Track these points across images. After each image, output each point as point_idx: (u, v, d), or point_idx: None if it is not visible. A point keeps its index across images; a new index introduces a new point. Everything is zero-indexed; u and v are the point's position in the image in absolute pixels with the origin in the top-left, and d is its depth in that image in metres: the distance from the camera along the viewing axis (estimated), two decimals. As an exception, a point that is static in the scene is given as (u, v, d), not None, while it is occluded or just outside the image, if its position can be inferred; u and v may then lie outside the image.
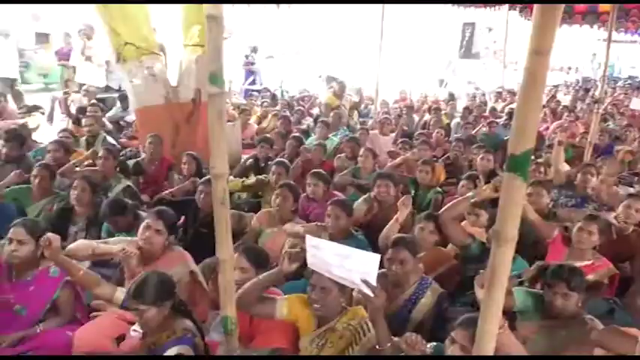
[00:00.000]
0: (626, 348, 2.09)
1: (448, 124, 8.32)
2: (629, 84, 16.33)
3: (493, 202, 3.61)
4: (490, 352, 1.26)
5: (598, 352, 2.30)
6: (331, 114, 7.19)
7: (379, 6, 6.30)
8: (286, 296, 2.44)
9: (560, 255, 3.40)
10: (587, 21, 8.04)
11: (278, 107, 8.69)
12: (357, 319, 2.31)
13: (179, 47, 5.75)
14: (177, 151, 5.26)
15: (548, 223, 3.76)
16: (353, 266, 2.07)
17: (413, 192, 4.80)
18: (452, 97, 10.92)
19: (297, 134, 6.06)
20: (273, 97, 9.68)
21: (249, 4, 5.53)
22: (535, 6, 0.91)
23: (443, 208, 3.37)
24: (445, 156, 6.07)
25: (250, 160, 5.46)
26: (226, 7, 2.69)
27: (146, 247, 2.83)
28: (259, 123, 7.92)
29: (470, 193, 3.30)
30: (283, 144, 5.80)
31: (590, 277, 3.24)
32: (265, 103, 8.41)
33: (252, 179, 4.76)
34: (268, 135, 6.16)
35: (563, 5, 0.90)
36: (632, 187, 4.99)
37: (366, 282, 2.06)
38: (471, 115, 8.54)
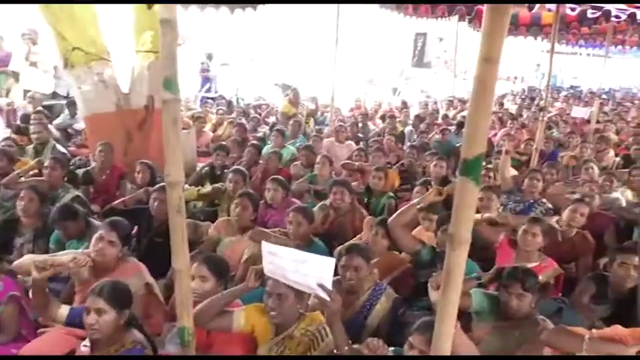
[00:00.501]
0: (573, 347, 2.18)
1: (402, 132, 8.51)
2: (571, 93, 17.18)
3: (446, 206, 3.72)
4: (447, 353, 1.28)
5: (547, 351, 2.40)
6: (290, 122, 7.22)
7: (334, 13, 6.37)
8: (243, 307, 2.41)
9: (508, 258, 3.52)
10: (532, 33, 8.43)
11: (234, 115, 8.62)
12: (315, 324, 2.31)
13: (130, 53, 5.61)
14: (130, 160, 5.12)
15: (495, 229, 3.87)
16: (309, 271, 2.07)
17: (366, 199, 4.87)
18: (405, 105, 11.17)
19: (256, 142, 6.03)
20: (229, 104, 9.60)
21: (202, 8, 5.44)
22: (484, 15, 0.95)
23: (392, 216, 3.43)
24: (399, 163, 6.20)
25: (206, 168, 5.38)
26: (180, 12, 2.66)
27: (99, 259, 2.73)
28: (214, 131, 7.83)
29: (415, 200, 3.38)
30: (240, 152, 5.76)
31: (539, 278, 3.39)
32: (221, 111, 8.32)
33: (208, 188, 4.69)
34: (224, 143, 6.09)
35: (510, 13, 0.93)
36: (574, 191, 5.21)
37: (322, 286, 2.07)
38: (423, 123, 8.76)
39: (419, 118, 9.09)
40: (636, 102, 14.30)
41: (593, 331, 2.36)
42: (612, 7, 5.54)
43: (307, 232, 3.50)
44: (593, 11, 5.89)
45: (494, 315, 2.63)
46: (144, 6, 5.24)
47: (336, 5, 5.98)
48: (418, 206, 3.29)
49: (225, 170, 5.00)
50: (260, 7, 5.52)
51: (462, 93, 13.46)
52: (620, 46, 12.85)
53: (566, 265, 3.89)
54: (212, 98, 10.93)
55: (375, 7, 6.22)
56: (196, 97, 11.53)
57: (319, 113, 9.64)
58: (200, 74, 12.31)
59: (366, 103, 10.66)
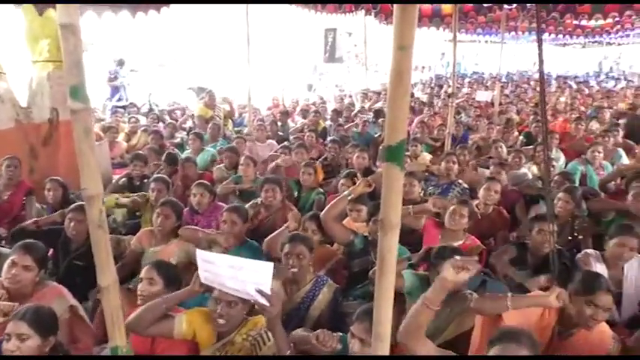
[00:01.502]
0: (499, 307, 2.34)
1: (324, 127, 8.62)
2: (474, 79, 18.23)
3: (371, 197, 3.82)
4: (387, 338, 1.32)
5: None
6: (209, 125, 7.07)
7: (243, 13, 6.30)
8: (185, 311, 2.33)
9: (435, 238, 3.68)
10: (434, 23, 8.82)
11: (147, 122, 8.29)
12: (256, 329, 2.29)
13: (26, 64, 5.23)
14: (37, 178, 4.78)
15: (414, 217, 4.01)
16: (246, 277, 2.04)
17: (296, 193, 4.91)
18: (322, 101, 11.31)
19: (171, 152, 5.84)
20: (150, 110, 9.20)
21: (99, 13, 5.16)
22: (395, 5, 0.98)
23: (324, 210, 3.49)
24: (322, 157, 6.28)
25: (123, 179, 5.13)
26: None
27: (14, 287, 2.51)
28: (128, 140, 7.48)
29: (345, 192, 3.45)
30: (158, 160, 5.56)
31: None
32: (133, 119, 7.96)
33: (127, 199, 4.49)
34: (141, 152, 5.84)
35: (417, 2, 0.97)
36: (488, 169, 5.54)
37: (260, 292, 2.04)
38: (341, 117, 8.94)
39: (336, 113, 9.26)
40: (532, 83, 15.49)
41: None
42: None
43: (241, 231, 3.48)
44: None
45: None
46: (36, 13, 4.91)
47: (244, 4, 5.91)
48: (349, 198, 3.36)
49: (145, 180, 4.81)
50: (165, 9, 5.33)
51: (375, 85, 13.84)
52: (513, 33, 13.78)
53: (486, 241, 4.16)
54: (123, 107, 10.43)
55: (284, 5, 6.22)
56: (105, 107, 10.95)
57: (237, 114, 9.51)
58: (108, 83, 11.71)
59: (283, 100, 10.66)
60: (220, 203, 4.42)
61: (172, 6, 5.44)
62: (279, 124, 8.46)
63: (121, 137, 7.42)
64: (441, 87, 14.85)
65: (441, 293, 2.07)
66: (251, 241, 3.55)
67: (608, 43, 19.59)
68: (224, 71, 14.01)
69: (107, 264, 1.53)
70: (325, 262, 3.44)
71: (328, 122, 8.90)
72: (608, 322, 2.49)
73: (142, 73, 13.42)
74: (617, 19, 9.30)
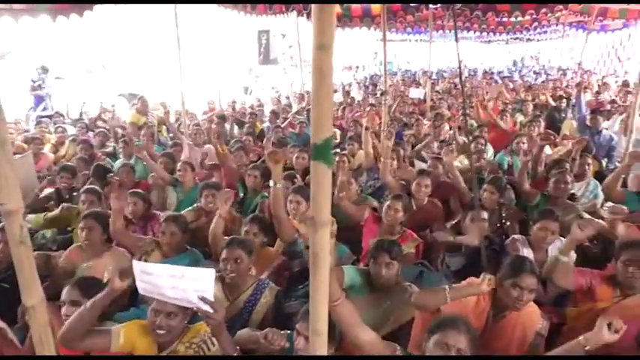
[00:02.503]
0: (438, 301, 2.43)
1: (262, 130, 8.57)
2: (407, 77, 18.76)
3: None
4: (324, 334, 1.33)
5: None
6: (142, 132, 6.83)
7: (173, 16, 6.14)
8: (123, 324, 2.25)
9: (374, 233, 3.78)
10: (365, 23, 9.00)
11: (75, 131, 7.92)
12: (200, 336, 2.26)
13: None
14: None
15: (358, 207, 4.12)
16: (188, 285, 2.00)
17: (242, 194, 4.86)
18: (260, 103, 11.26)
19: (101, 163, 5.60)
20: (79, 119, 8.72)
21: (16, 19, 4.87)
22: (313, 4, 1.00)
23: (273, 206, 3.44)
24: (261, 159, 6.23)
25: (50, 192, 4.87)
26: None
27: None
28: (56, 151, 7.11)
29: (271, 182, 3.36)
30: (88, 170, 5.32)
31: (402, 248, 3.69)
32: (60, 129, 7.56)
33: (55, 211, 4.27)
34: (68, 163, 5.57)
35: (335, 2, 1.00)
36: (425, 161, 5.70)
37: (203, 299, 2.01)
38: (279, 118, 8.94)
39: (274, 114, 9.25)
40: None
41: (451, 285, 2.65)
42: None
43: (181, 241, 3.41)
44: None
45: (366, 288, 2.82)
46: None
47: (172, 5, 5.76)
48: (278, 185, 3.30)
49: (75, 193, 4.61)
50: (88, 13, 5.11)
51: (309, 86, 13.90)
52: (441, 31, 14.30)
53: (423, 233, 4.29)
54: (48, 116, 9.90)
55: (213, 7, 6.12)
56: (28, 117, 10.35)
57: (174, 120, 9.27)
58: (31, 92, 11.08)
59: (219, 104, 10.51)
60: (156, 212, 4.31)
61: (97, 9, 5.21)
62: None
63: (47, 148, 7.04)
64: (375, 85, 15.16)
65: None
66: (192, 249, 3.49)
67: (529, 40, 20.74)
68: (156, 76, 13.62)
69: (32, 282, 1.45)
70: (267, 264, 3.43)
71: (266, 124, 8.87)
72: (536, 301, 2.66)
73: (68, 80, 12.80)
74: (534, 16, 9.87)
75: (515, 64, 25.35)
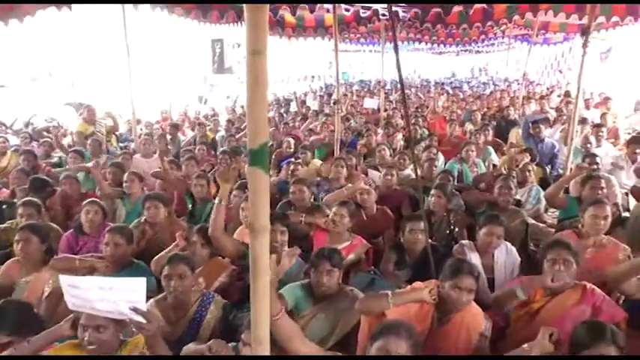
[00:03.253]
0: (381, 306, 2.48)
1: (213, 139, 8.48)
2: (361, 87, 19.03)
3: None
4: (266, 340, 1.33)
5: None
6: (89, 142, 6.63)
7: (121, 23, 6.00)
8: (54, 347, 2.16)
9: (323, 241, 3.78)
10: (319, 33, 9.07)
11: (19, 141, 7.59)
12: (138, 349, 2.19)
13: None
14: None
15: (311, 217, 4.11)
16: (118, 296, 1.95)
17: (190, 206, 4.78)
18: (214, 112, 11.15)
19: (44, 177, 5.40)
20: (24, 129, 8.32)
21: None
22: (245, 11, 1.00)
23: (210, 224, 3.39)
24: (214, 169, 6.17)
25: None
26: None
27: None
28: (-4, 163, 6.78)
29: (216, 200, 3.32)
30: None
31: (351, 256, 3.71)
32: (1, 139, 7.22)
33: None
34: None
35: (267, 6, 1.00)
36: (378, 170, 5.77)
37: (135, 310, 1.96)
38: (233, 127, 8.88)
39: (230, 123, 9.20)
40: (413, 89, 16.51)
41: (396, 290, 2.70)
42: (379, 7, 6.29)
43: (126, 253, 3.33)
44: (364, 11, 6.61)
45: (310, 299, 2.81)
46: None
47: (121, 12, 5.64)
48: (222, 203, 3.28)
49: (4, 205, 4.42)
50: (29, 19, 4.92)
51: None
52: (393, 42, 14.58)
53: (374, 240, 4.34)
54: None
55: (165, 14, 6.02)
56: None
57: (126, 129, 9.04)
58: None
59: (171, 113, 10.35)
60: (109, 223, 4.18)
61: (39, 14, 5.02)
62: (169, 137, 8.20)
63: (-13, 159, 6.70)
64: (330, 95, 15.29)
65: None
66: (138, 262, 3.40)
67: (477, 52, 21.47)
68: (106, 84, 13.27)
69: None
70: (217, 275, 3.37)
71: (221, 134, 8.78)
72: (481, 304, 2.73)
73: (12, 88, 12.26)
74: (481, 29, 10.23)
75: (472, 75, 26.22)
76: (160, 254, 3.32)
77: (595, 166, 5.04)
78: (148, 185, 5.26)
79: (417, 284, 2.62)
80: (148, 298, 2.26)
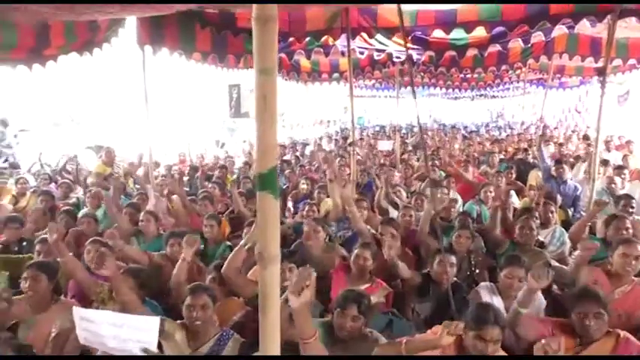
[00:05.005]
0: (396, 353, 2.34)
1: (232, 181, 8.50)
2: (377, 131, 19.14)
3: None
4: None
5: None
6: (108, 182, 6.71)
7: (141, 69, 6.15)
8: None
9: (343, 282, 3.68)
10: (334, 79, 9.23)
11: (37, 183, 7.70)
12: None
13: None
14: None
15: (329, 256, 4.05)
16: (130, 335, 1.87)
17: (202, 246, 4.73)
18: (229, 156, 11.25)
19: (68, 208, 5.46)
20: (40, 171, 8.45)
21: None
22: (253, 27, 0.98)
23: (224, 264, 3.37)
24: (229, 210, 6.16)
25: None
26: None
27: None
28: (16, 203, 6.86)
29: (242, 242, 3.36)
30: (45, 222, 5.12)
31: (373, 298, 3.59)
32: (22, 180, 7.35)
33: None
34: (15, 214, 5.36)
35: (275, 26, 0.97)
36: (397, 208, 5.68)
37: (146, 351, 1.87)
38: (250, 170, 8.91)
39: (248, 165, 9.26)
40: (430, 133, 16.53)
41: (415, 336, 2.58)
42: (393, 50, 6.38)
43: (138, 295, 3.21)
44: (379, 54, 6.71)
45: (328, 339, 2.69)
46: None
47: (141, 58, 5.78)
48: (245, 247, 3.29)
49: (24, 243, 4.42)
50: (51, 63, 5.08)
51: (282, 138, 14.05)
52: (408, 87, 14.73)
53: (393, 282, 4.21)
54: (13, 167, 9.66)
55: (183, 59, 6.18)
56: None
57: (142, 171, 9.13)
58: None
59: (189, 156, 10.47)
60: (121, 263, 4.13)
61: (61, 59, 5.19)
62: (187, 179, 8.26)
63: (7, 200, 6.80)
64: (345, 139, 15.37)
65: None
66: (149, 301, 3.33)
67: (493, 97, 21.58)
68: (125, 129, 13.58)
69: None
70: (232, 314, 3.29)
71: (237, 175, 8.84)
72: (506, 348, 2.58)
73: (34, 132, 12.60)
74: (495, 72, 10.30)
75: (491, 119, 26.32)
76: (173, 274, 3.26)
77: (631, 209, 4.87)
78: (163, 225, 5.25)
79: (435, 329, 2.49)
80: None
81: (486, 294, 3.32)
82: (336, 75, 9.37)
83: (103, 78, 14.98)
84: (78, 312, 1.99)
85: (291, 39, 5.98)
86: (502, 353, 2.46)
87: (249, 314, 3.43)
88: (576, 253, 4.78)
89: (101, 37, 5.39)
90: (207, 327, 2.76)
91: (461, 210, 5.95)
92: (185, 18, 5.17)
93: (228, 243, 4.89)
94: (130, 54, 6.13)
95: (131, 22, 5.57)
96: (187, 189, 7.68)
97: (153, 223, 4.86)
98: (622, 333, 2.55)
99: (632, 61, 7.39)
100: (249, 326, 3.39)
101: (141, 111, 6.23)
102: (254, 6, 0.95)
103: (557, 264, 4.41)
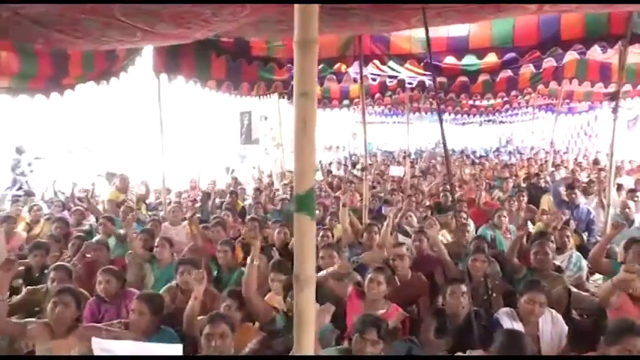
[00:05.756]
0: None
1: (243, 207, 8.53)
2: (386, 156, 19.20)
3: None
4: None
5: None
6: (121, 209, 6.75)
7: (156, 96, 6.27)
8: None
9: (358, 308, 3.64)
10: (344, 105, 9.32)
11: (50, 210, 7.75)
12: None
13: None
14: None
15: (343, 282, 4.02)
16: None
17: (215, 272, 4.73)
18: (237, 182, 11.30)
19: (80, 234, 5.48)
20: (53, 198, 8.56)
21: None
22: (295, 53, 1.00)
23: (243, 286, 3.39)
24: (241, 237, 6.16)
25: (19, 269, 4.65)
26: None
27: None
28: (30, 230, 6.91)
29: (249, 258, 3.39)
30: (59, 249, 5.17)
31: (390, 323, 3.55)
32: (36, 207, 7.41)
33: (21, 295, 4.05)
34: (42, 240, 5.39)
35: (317, 47, 1.00)
36: (408, 236, 5.66)
37: None
38: (262, 195, 8.94)
39: (259, 191, 9.30)
40: (439, 158, 16.55)
41: None
42: (405, 77, 6.46)
43: (152, 321, 3.20)
44: (391, 80, 6.79)
45: None
46: None
47: (156, 87, 5.91)
48: (254, 263, 3.29)
49: (45, 271, 4.42)
50: (69, 92, 5.19)
51: (292, 165, 14.08)
52: (417, 113, 14.88)
53: (409, 308, 4.16)
54: (27, 194, 9.76)
55: (197, 87, 6.30)
56: (4, 197, 10.18)
57: (154, 197, 9.18)
58: (13, 172, 11.10)
59: (200, 182, 10.52)
60: (132, 290, 4.13)
61: (79, 88, 5.30)
62: (199, 205, 8.27)
63: (21, 227, 6.84)
64: (354, 164, 15.42)
65: None
66: (166, 329, 3.29)
67: (501, 122, 21.65)
68: (138, 156, 13.72)
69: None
70: (247, 341, 3.26)
71: (248, 201, 8.86)
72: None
73: (48, 160, 12.76)
74: (505, 98, 10.36)
75: (500, 144, 26.37)
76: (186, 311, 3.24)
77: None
78: (177, 252, 5.25)
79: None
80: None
81: (507, 321, 3.27)
82: (346, 101, 9.47)
83: (118, 105, 15.23)
84: (98, 343, 1.97)
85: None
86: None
87: (264, 341, 3.40)
88: (595, 276, 4.75)
89: (119, 67, 5.52)
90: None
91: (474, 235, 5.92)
92: (201, 46, 5.28)
93: (243, 269, 4.88)
94: (145, 82, 6.26)
95: (148, 50, 5.71)
96: (199, 215, 7.71)
97: (168, 249, 4.86)
98: None
99: (641, 86, 7.42)
100: (264, 353, 3.36)
101: (155, 138, 6.32)
102: (296, 30, 0.98)
103: (575, 290, 4.37)
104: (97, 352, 1.96)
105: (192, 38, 3.95)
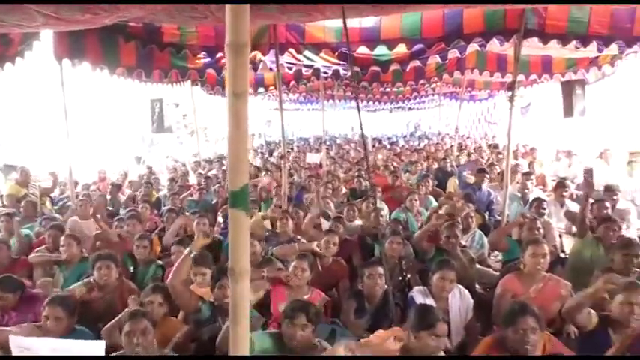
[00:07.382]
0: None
1: (158, 198, 8.26)
2: (302, 144, 19.41)
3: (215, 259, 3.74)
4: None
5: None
6: (22, 204, 6.29)
7: (59, 84, 5.85)
8: None
9: (283, 295, 3.73)
10: (259, 92, 9.30)
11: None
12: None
13: None
14: None
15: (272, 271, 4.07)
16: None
17: (132, 267, 4.60)
18: (152, 172, 10.91)
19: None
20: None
21: None
22: (226, 54, 1.03)
23: (169, 277, 3.36)
24: (159, 229, 6.01)
25: None
26: None
27: None
28: None
29: (186, 250, 3.40)
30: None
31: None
32: None
33: None
34: None
35: (248, 51, 1.04)
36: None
37: None
38: (176, 185, 8.70)
39: (174, 181, 9.05)
40: (352, 144, 17.01)
41: (361, 340, 2.69)
42: (320, 66, 6.56)
43: (69, 324, 3.05)
44: (306, 69, 6.87)
45: (278, 351, 2.73)
46: None
47: (58, 72, 5.52)
48: (192, 255, 3.30)
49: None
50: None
51: (207, 153, 13.81)
52: (331, 100, 15.12)
53: (330, 292, 4.32)
54: None
55: (104, 74, 5.95)
56: None
57: (60, 191, 8.61)
58: None
59: (109, 174, 10.03)
60: (36, 291, 3.89)
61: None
62: (109, 197, 7.90)
63: None
64: (271, 153, 15.43)
65: None
66: (80, 328, 3.15)
67: (410, 109, 22.60)
68: (40, 147, 12.76)
69: None
70: (171, 335, 3.23)
71: (163, 192, 8.59)
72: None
73: None
74: (414, 86, 10.86)
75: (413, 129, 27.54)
76: (109, 325, 3.14)
77: (542, 211, 5.31)
78: (86, 247, 4.98)
79: (380, 332, 2.61)
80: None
81: (420, 297, 3.51)
82: (260, 89, 9.44)
83: (17, 93, 13.97)
84: (15, 341, 1.89)
85: (219, 54, 5.98)
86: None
87: (188, 333, 3.39)
88: (496, 253, 5.19)
89: (14, 52, 5.10)
90: (148, 352, 2.66)
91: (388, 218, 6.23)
92: (107, 31, 4.99)
93: (160, 262, 4.78)
94: (47, 68, 5.84)
95: (47, 35, 5.31)
96: (110, 208, 7.37)
97: (75, 247, 4.55)
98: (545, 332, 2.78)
99: (533, 76, 8.11)
100: (187, 346, 3.35)
101: (59, 127, 5.92)
102: (227, 33, 1.00)
103: (479, 265, 4.77)
104: (14, 351, 1.87)
105: (100, 24, 3.75)
